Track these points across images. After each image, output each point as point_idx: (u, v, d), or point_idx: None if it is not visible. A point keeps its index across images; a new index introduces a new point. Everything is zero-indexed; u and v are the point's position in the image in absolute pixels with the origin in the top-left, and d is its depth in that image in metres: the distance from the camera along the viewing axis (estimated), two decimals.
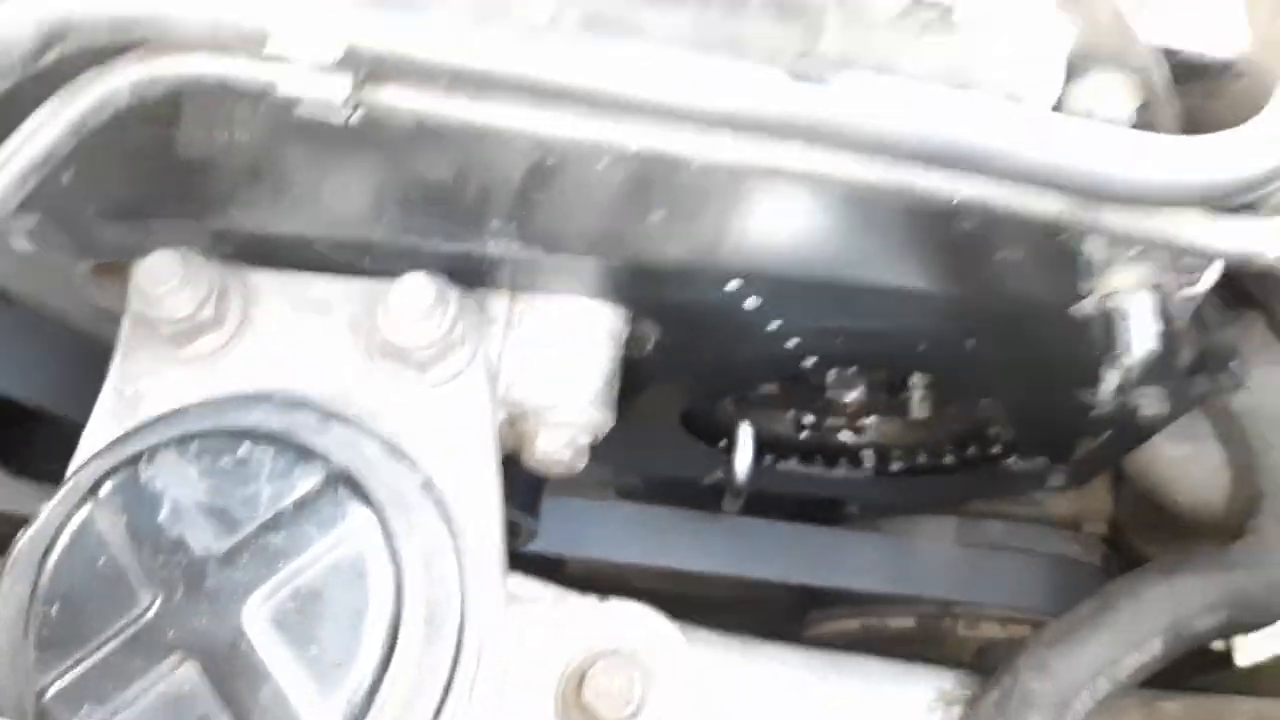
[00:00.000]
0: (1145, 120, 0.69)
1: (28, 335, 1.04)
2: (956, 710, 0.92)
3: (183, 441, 0.74)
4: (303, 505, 0.73)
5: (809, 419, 1.22)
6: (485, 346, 0.85)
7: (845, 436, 1.23)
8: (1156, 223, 0.66)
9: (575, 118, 0.67)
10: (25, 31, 0.62)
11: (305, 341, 0.83)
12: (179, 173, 0.79)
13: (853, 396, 1.17)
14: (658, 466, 1.28)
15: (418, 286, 0.79)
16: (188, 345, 0.82)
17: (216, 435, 0.74)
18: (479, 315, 0.86)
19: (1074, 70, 0.69)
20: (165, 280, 0.79)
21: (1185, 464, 1.16)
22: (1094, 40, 0.68)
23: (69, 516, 0.72)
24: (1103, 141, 0.64)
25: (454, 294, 0.81)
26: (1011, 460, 1.19)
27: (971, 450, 1.20)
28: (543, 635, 0.83)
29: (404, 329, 0.80)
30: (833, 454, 1.25)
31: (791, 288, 0.82)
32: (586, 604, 0.85)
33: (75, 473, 0.76)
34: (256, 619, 0.71)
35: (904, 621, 1.34)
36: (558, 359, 0.89)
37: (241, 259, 0.84)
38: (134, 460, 0.73)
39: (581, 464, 0.91)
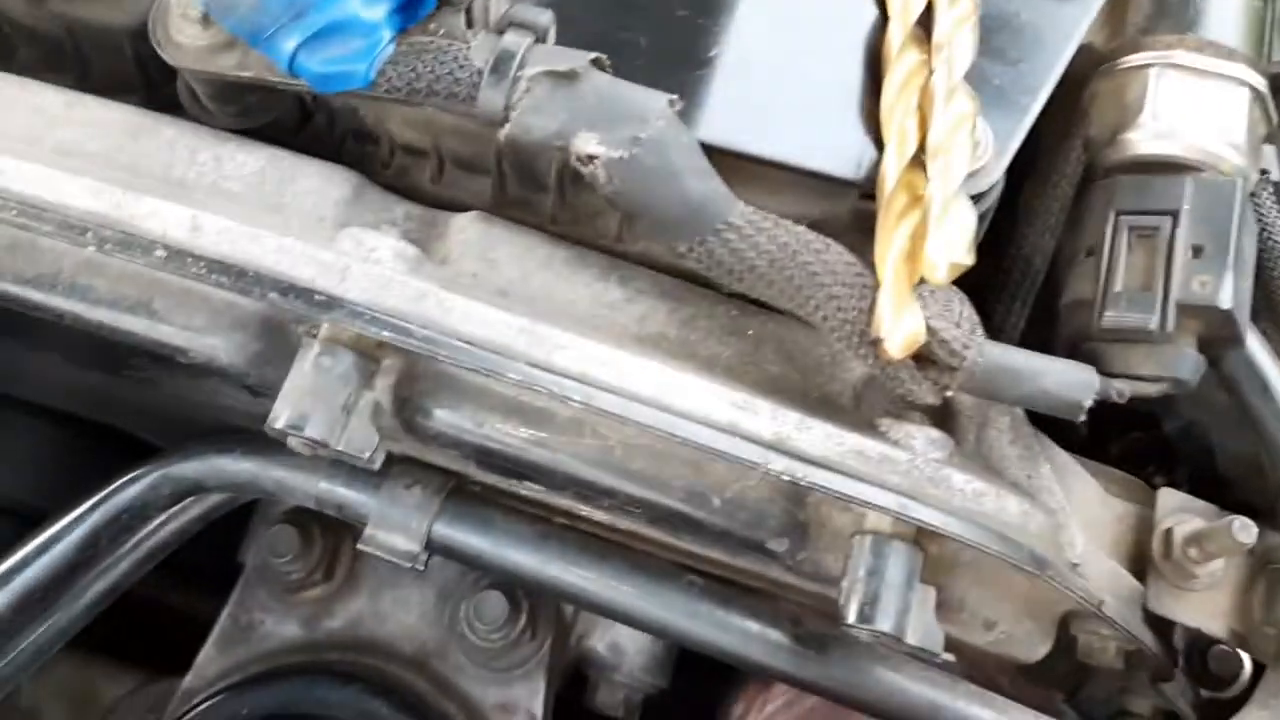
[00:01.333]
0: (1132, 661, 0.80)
1: None
2: None
3: None
4: None
5: None
6: (557, 624, 0.95)
7: None
8: None
9: None
10: (160, 492, 0.72)
11: (399, 602, 0.95)
12: None
13: None
14: None
15: (494, 605, 0.90)
16: (299, 594, 0.94)
17: None
18: (554, 606, 0.95)
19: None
20: (284, 553, 0.91)
21: None
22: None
23: None
24: None
25: (526, 608, 0.91)
26: None
27: None
28: None
29: (479, 635, 0.91)
30: None
31: None
32: None
33: (185, 708, 0.91)
34: None
35: None
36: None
37: None
38: None
39: (634, 718, 1.02)
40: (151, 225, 0.65)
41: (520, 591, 0.92)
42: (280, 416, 0.65)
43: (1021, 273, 0.83)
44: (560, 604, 0.97)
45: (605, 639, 1.01)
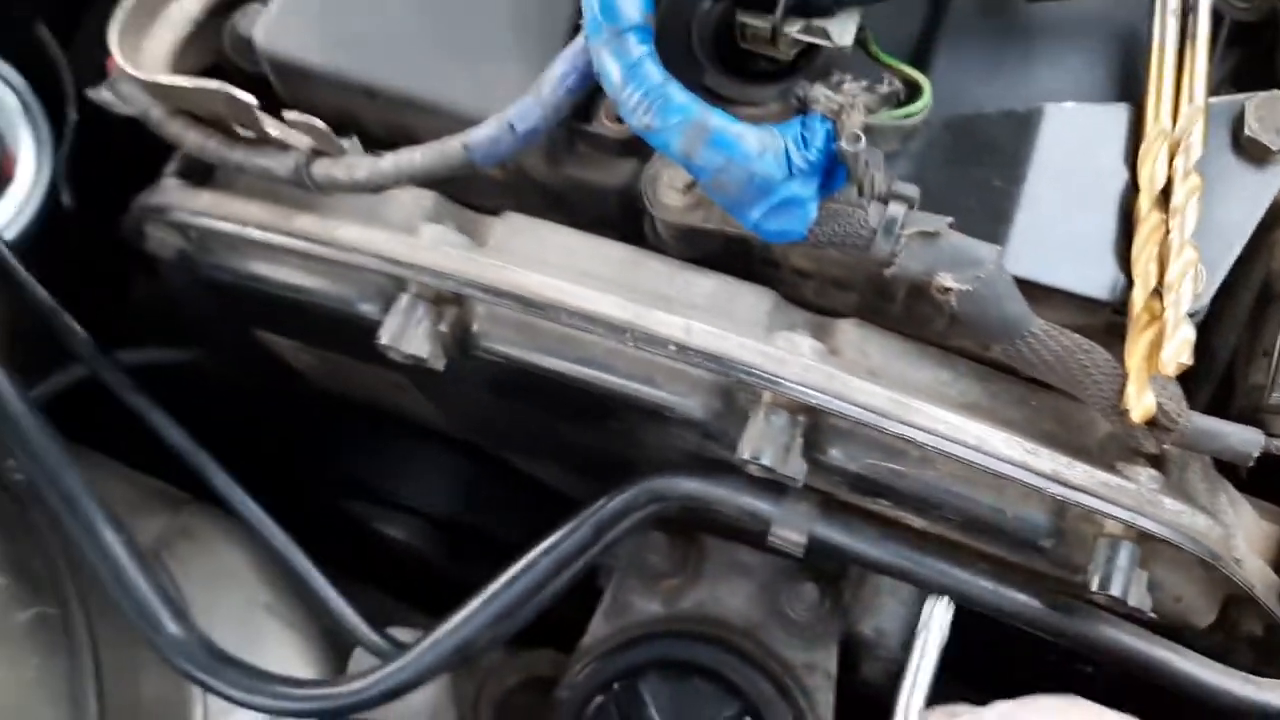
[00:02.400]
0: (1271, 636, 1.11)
1: None
2: None
3: (664, 666, 1.24)
4: None
5: None
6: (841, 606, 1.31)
7: None
8: None
9: None
10: (639, 500, 1.09)
11: (731, 591, 1.31)
12: None
13: None
14: None
15: (810, 592, 1.26)
16: (660, 582, 1.31)
17: (681, 666, 1.24)
18: (840, 596, 1.31)
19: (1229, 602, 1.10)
20: (657, 551, 1.28)
21: None
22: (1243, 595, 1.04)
23: (592, 696, 1.24)
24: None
25: (830, 592, 1.27)
26: None
27: None
28: None
29: (796, 612, 1.28)
30: None
31: None
32: None
33: (587, 659, 1.27)
34: None
35: None
36: (887, 613, 1.36)
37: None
38: (634, 672, 1.24)
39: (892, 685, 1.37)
40: (663, 330, 1.02)
41: (825, 582, 1.29)
42: (745, 451, 1.01)
43: (1209, 364, 1.16)
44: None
45: (871, 624, 1.36)
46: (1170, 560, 1.07)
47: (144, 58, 1.16)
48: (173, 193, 1.18)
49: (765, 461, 1.01)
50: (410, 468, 1.42)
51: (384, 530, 1.43)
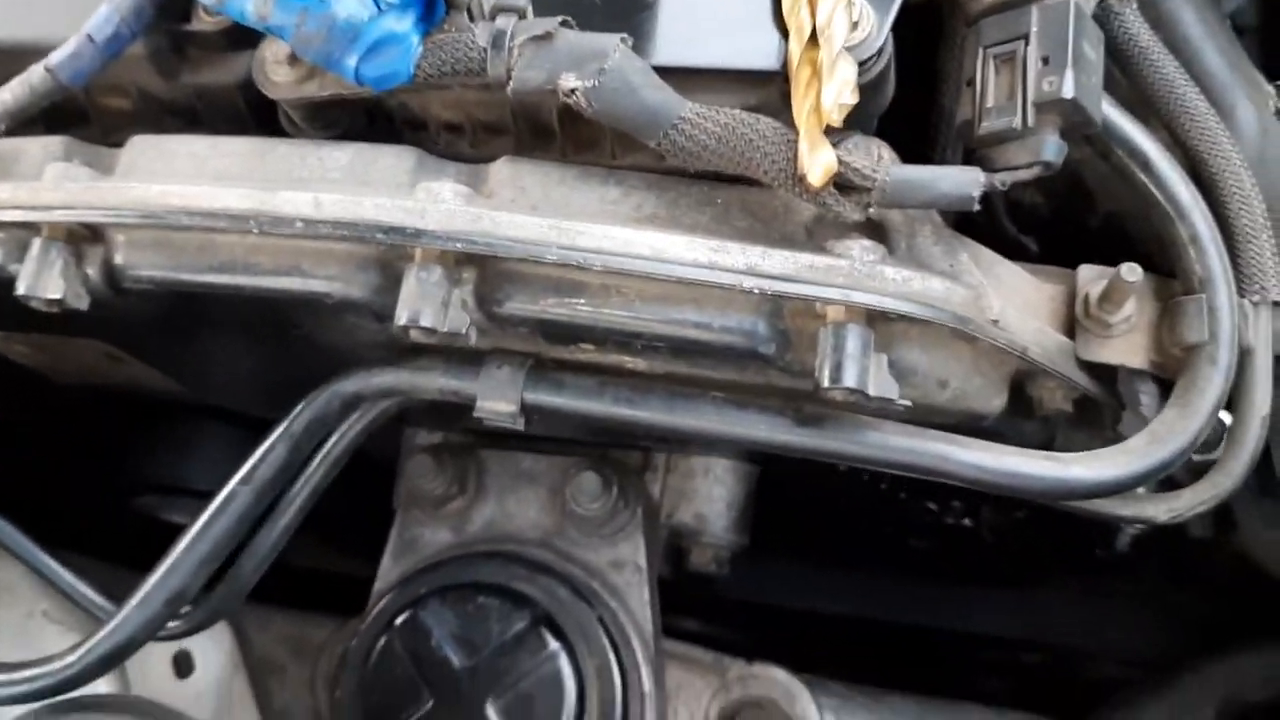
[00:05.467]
0: (1088, 410, 1.00)
1: None
2: None
3: (443, 592, 1.14)
4: (519, 638, 1.12)
5: None
6: (646, 500, 1.20)
7: None
8: None
9: None
10: (333, 405, 1.00)
11: (520, 502, 1.21)
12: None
13: None
14: None
15: (590, 481, 1.15)
16: (443, 507, 1.21)
17: (463, 588, 1.14)
18: (641, 486, 1.20)
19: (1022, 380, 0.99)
20: (425, 475, 1.18)
21: None
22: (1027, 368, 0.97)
23: (377, 639, 1.15)
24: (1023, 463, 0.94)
25: (616, 482, 1.16)
26: None
27: None
28: (700, 689, 1.21)
29: (582, 506, 1.16)
30: None
31: None
32: (737, 665, 1.22)
33: (377, 602, 1.18)
34: (492, 713, 1.11)
35: None
36: (703, 496, 1.24)
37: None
38: (415, 604, 1.14)
39: (726, 571, 1.26)
40: (288, 209, 0.93)
41: (609, 470, 1.18)
42: (402, 316, 0.91)
43: (946, 122, 1.04)
44: (648, 485, 1.23)
45: (690, 511, 1.26)
46: (917, 339, 0.94)
47: None
48: None
49: (424, 323, 0.91)
50: (186, 450, 1.36)
51: (172, 519, 1.37)
